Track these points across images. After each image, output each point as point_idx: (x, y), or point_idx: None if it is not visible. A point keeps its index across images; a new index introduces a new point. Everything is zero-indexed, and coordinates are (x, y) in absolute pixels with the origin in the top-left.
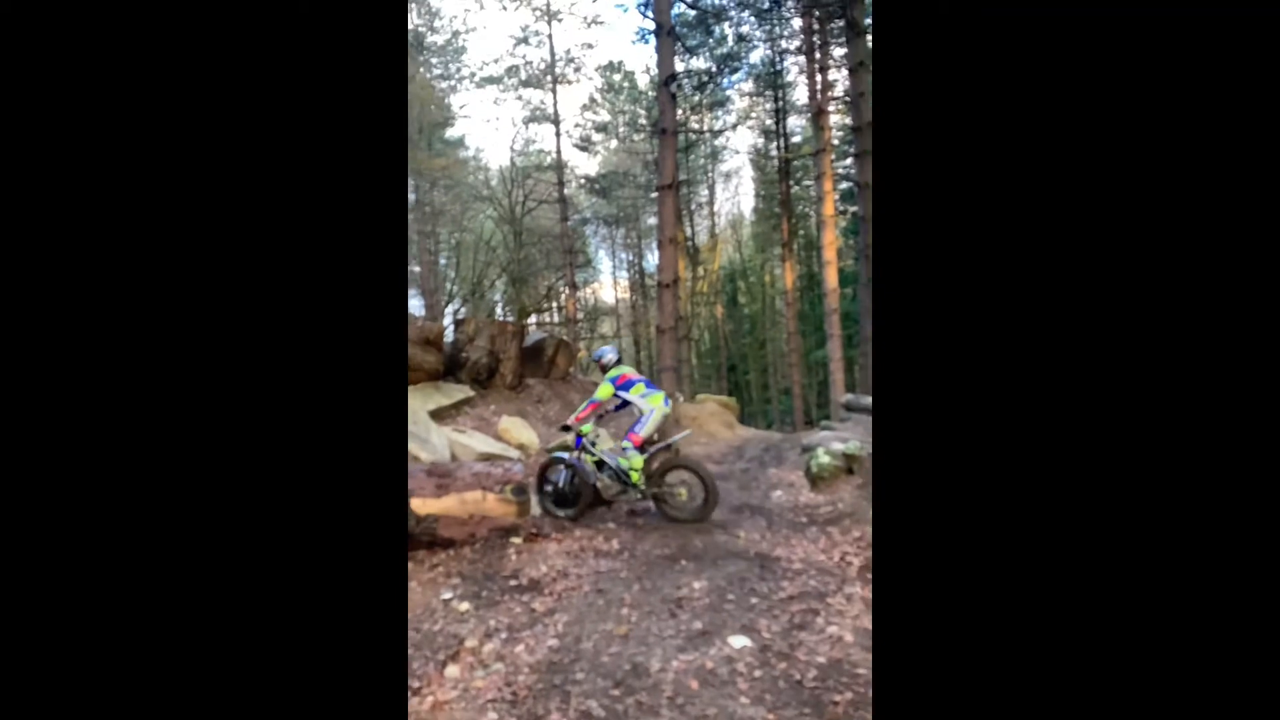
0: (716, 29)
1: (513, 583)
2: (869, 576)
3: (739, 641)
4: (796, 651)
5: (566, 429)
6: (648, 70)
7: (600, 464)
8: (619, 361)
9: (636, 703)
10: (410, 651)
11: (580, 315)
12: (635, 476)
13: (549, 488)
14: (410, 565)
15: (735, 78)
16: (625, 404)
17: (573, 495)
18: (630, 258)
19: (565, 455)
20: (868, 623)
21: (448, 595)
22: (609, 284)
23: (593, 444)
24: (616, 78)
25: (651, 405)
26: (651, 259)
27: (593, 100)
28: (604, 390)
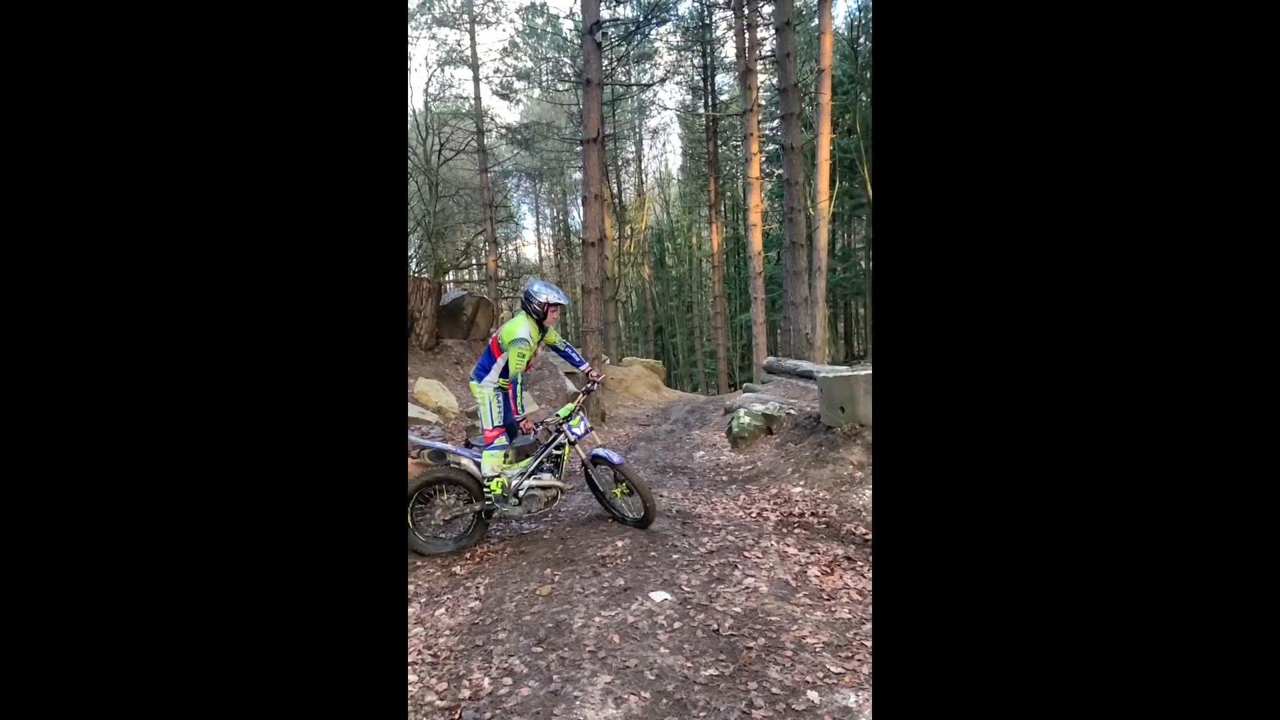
0: None
1: None
2: (784, 530)
3: (659, 596)
4: (714, 603)
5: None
6: (572, 15)
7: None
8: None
9: (559, 658)
10: None
11: (503, 273)
12: (495, 485)
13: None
14: None
15: (663, 29)
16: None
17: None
18: (555, 214)
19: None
20: (782, 574)
21: None
22: (533, 240)
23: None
24: (539, 21)
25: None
26: (577, 215)
27: (514, 45)
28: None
